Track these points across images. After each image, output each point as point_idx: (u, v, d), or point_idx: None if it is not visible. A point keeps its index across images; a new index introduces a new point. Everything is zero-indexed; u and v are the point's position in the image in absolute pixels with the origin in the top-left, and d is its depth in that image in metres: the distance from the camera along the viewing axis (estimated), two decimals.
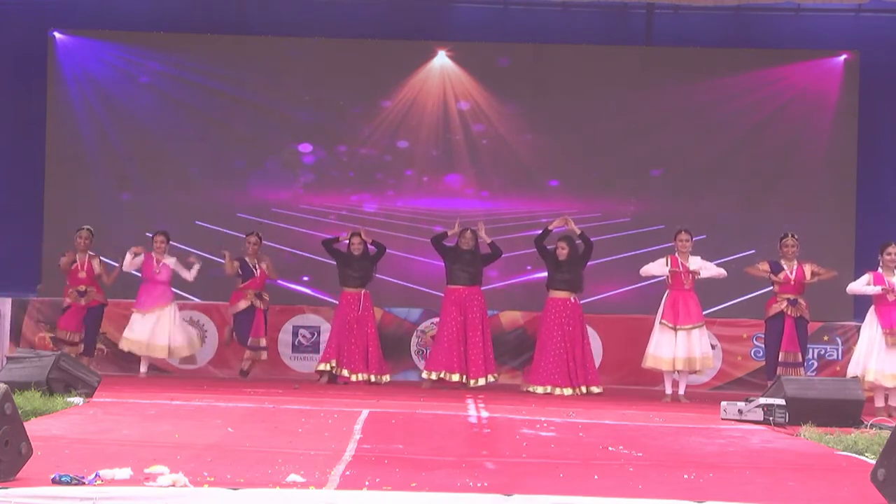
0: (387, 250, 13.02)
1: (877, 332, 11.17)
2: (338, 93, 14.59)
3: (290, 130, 14.69)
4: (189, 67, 14.61)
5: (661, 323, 11.96)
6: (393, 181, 14.77)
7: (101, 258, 12.90)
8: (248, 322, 12.78)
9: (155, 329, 12.68)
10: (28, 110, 14.49)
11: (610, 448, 7.55)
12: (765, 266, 12.14)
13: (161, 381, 12.33)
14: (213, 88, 14.59)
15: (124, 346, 12.75)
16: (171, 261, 12.86)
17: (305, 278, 14.21)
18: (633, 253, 13.76)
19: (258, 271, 12.87)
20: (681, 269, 12.06)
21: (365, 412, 9.08)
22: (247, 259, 12.90)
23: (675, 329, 11.91)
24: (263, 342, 12.86)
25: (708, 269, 12.18)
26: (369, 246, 12.88)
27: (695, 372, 12.13)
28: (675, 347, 11.88)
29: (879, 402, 11.19)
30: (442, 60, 14.65)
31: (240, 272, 12.84)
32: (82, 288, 12.66)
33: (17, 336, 13.10)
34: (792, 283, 12.00)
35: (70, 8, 14.51)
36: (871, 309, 11.37)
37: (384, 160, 14.75)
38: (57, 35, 14.58)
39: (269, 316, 13.07)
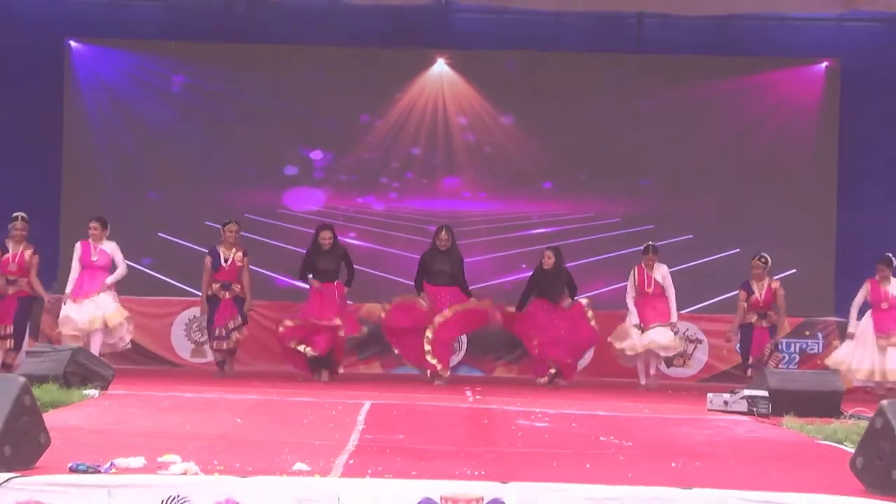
0: (354, 276, 12.15)
1: (870, 335, 11.88)
2: (342, 99, 14.62)
3: (297, 135, 14.71)
4: (201, 75, 14.65)
5: (636, 326, 12.29)
6: (396, 184, 14.81)
7: (37, 255, 11.98)
8: (211, 315, 12.10)
9: (79, 311, 11.73)
10: (45, 117, 14.48)
11: (602, 438, 7.55)
12: (743, 296, 12.36)
13: (172, 374, 12.33)
14: (224, 95, 14.62)
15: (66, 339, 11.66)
16: (109, 246, 11.96)
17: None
18: (622, 252, 13.80)
19: (229, 263, 12.14)
20: (646, 279, 12.34)
21: (367, 404, 9.08)
22: (219, 249, 12.22)
23: (644, 329, 12.27)
24: (231, 324, 12.09)
25: (668, 287, 12.40)
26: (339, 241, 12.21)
27: (664, 353, 12.29)
28: (643, 338, 12.28)
29: (881, 392, 11.73)
30: (441, 68, 14.71)
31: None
32: (12, 277, 11.89)
33: (35, 331, 13.07)
34: (761, 304, 12.27)
35: (86, 17, 14.50)
36: (868, 313, 11.98)
37: (386, 164, 14.79)
38: (73, 43, 14.61)
39: (270, 311, 12.96)
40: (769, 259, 12.27)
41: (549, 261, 12.20)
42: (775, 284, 12.30)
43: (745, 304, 12.31)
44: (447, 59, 14.67)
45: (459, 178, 14.80)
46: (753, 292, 12.28)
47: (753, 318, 12.27)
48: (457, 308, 11.94)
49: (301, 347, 11.77)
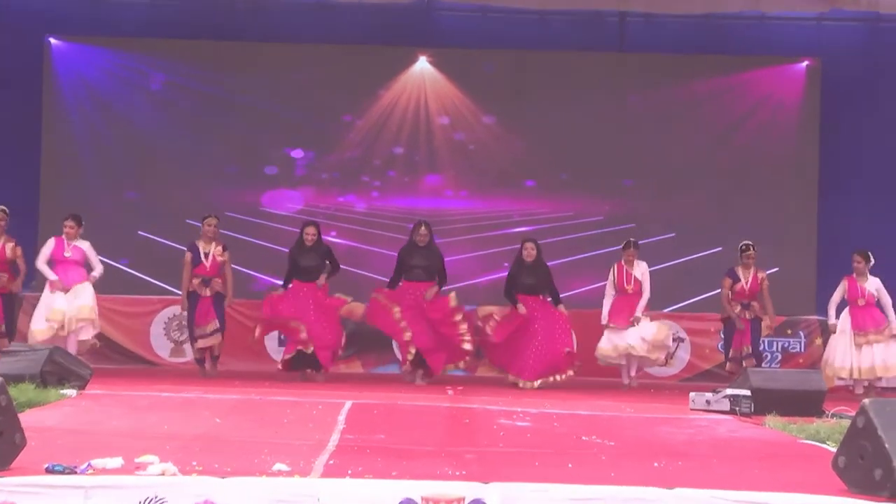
0: (338, 270, 12.07)
1: (848, 333, 11.99)
2: (323, 97, 14.57)
3: (279, 133, 14.66)
4: (182, 73, 14.57)
5: (609, 327, 12.20)
6: (378, 183, 14.79)
7: (19, 247, 11.90)
8: (192, 312, 11.99)
9: (68, 301, 11.58)
10: (24, 115, 14.37)
11: (584, 438, 7.54)
12: (728, 283, 12.28)
13: (151, 374, 12.26)
14: (206, 93, 14.56)
15: (38, 335, 11.53)
16: (85, 245, 11.82)
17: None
18: (605, 250, 13.78)
19: (209, 259, 12.00)
20: (625, 276, 12.26)
21: (348, 403, 9.04)
22: (199, 244, 12.09)
23: (623, 329, 12.16)
24: (209, 328, 11.94)
25: (644, 285, 12.30)
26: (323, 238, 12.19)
27: (648, 355, 12.22)
28: (625, 338, 12.16)
29: (859, 390, 11.84)
30: (423, 66, 14.69)
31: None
32: None
33: (12, 330, 12.93)
34: (746, 292, 12.21)
35: (66, 14, 14.41)
36: (846, 310, 12.06)
37: (368, 162, 14.76)
38: (53, 41, 14.51)
39: (250, 310, 12.83)
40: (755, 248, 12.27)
41: (531, 252, 11.99)
42: (761, 274, 12.26)
43: (730, 293, 12.22)
44: (429, 57, 14.65)
45: (441, 176, 14.80)
46: (739, 280, 12.21)
47: (737, 309, 12.19)
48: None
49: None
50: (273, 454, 6.09)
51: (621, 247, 12.51)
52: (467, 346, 11.82)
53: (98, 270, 11.95)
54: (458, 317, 11.84)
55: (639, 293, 12.25)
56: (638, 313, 12.17)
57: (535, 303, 12.02)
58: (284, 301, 11.85)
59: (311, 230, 11.96)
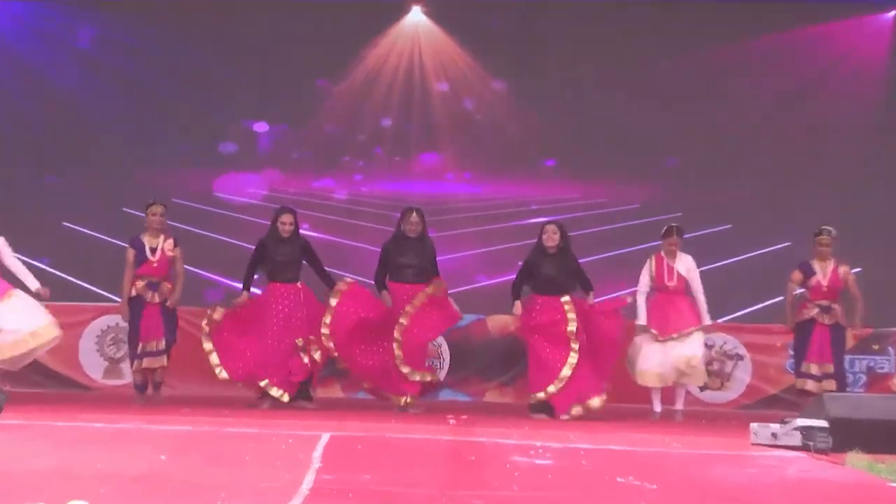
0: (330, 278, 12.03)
1: None
2: (293, 57, 14.68)
3: (238, 102, 14.76)
4: (118, 26, 14.69)
5: (650, 332, 12.00)
6: (362, 163, 14.84)
7: None
8: (135, 321, 11.85)
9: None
10: None
11: (619, 479, 7.51)
12: (798, 278, 12.09)
13: (79, 399, 12.24)
14: (146, 52, 14.65)
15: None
16: None
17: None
18: (643, 246, 13.71)
19: (157, 254, 11.91)
20: (666, 270, 12.09)
21: (325, 436, 9.01)
22: (143, 238, 11.93)
23: (663, 341, 11.95)
24: (153, 346, 11.86)
25: (695, 282, 12.12)
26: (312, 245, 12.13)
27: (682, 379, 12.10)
28: (664, 358, 11.92)
29: None
30: (417, 18, 14.78)
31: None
32: None
33: None
34: (824, 288, 12.01)
35: None
36: None
37: (349, 138, 14.82)
38: None
39: (198, 318, 12.72)
40: (834, 233, 12.01)
41: (553, 236, 11.79)
42: (843, 268, 12.06)
43: (805, 291, 12.00)
44: (424, 6, 14.72)
45: (440, 154, 14.89)
46: (814, 273, 12.03)
47: (814, 312, 11.98)
48: (417, 304, 11.75)
49: (273, 391, 11.75)
50: (232, 499, 6.05)
51: (661, 233, 12.35)
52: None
53: (19, 268, 11.52)
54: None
55: (681, 291, 12.10)
56: (706, 320, 12.01)
57: (557, 306, 11.94)
58: (248, 320, 11.84)
59: (287, 218, 11.89)
